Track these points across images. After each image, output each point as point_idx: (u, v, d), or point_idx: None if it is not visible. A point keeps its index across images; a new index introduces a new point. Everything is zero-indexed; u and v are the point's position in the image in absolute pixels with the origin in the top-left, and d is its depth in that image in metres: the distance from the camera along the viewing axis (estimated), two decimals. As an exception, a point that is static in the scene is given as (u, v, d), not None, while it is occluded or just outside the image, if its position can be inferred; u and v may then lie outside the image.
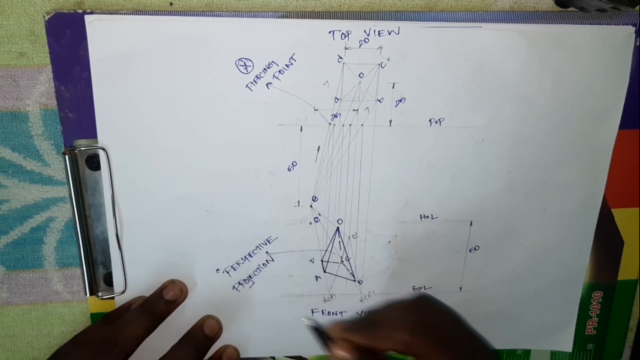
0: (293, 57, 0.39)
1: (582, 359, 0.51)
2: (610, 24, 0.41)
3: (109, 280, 0.44)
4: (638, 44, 0.41)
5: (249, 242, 0.43)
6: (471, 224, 0.45)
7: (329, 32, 0.39)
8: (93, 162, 0.41)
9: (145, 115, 0.40)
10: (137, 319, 0.41)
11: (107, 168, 0.40)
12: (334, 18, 0.39)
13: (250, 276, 0.45)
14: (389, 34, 0.39)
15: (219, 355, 0.45)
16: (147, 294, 0.44)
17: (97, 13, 0.37)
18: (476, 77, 0.41)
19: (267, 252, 0.44)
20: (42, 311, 0.45)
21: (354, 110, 0.41)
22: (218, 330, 0.45)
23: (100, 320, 0.44)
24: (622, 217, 0.47)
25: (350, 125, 0.41)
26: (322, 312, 0.46)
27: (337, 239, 0.44)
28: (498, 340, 0.49)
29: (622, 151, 0.44)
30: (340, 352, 0.37)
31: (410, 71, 0.40)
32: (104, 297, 0.44)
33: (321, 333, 0.38)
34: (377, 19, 0.39)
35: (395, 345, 0.36)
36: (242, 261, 0.44)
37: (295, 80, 0.40)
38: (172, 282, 0.44)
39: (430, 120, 0.41)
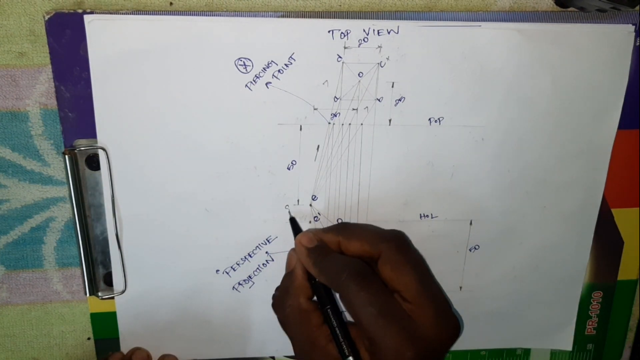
0: (292, 56, 0.39)
1: (582, 359, 0.51)
2: (610, 24, 0.41)
3: (108, 280, 0.44)
4: (638, 43, 0.41)
5: (249, 241, 0.43)
6: (471, 223, 0.45)
7: (328, 32, 0.39)
8: (93, 162, 0.41)
9: (144, 115, 0.40)
10: None
11: (107, 168, 0.40)
12: (334, 18, 0.39)
13: (250, 276, 0.45)
14: (389, 33, 0.39)
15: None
16: (147, 294, 0.44)
17: (97, 13, 0.37)
18: (476, 76, 0.41)
19: (267, 252, 0.44)
20: (42, 311, 0.45)
21: (354, 109, 0.41)
22: None
23: None
24: (622, 217, 0.47)
25: (349, 124, 0.41)
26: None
27: (337, 239, 0.44)
28: (498, 339, 0.49)
29: (621, 151, 0.44)
30: (302, 238, 0.39)
31: (410, 70, 0.40)
32: (104, 297, 0.44)
33: (296, 226, 0.42)
34: (377, 19, 0.39)
35: (362, 244, 0.38)
36: (242, 261, 0.44)
37: (294, 80, 0.40)
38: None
39: (429, 119, 0.42)
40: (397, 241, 0.38)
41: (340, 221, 0.43)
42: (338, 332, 0.37)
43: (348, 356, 0.37)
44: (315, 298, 0.40)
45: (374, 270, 0.38)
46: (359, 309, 0.35)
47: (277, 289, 0.41)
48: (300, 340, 0.39)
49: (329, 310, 0.38)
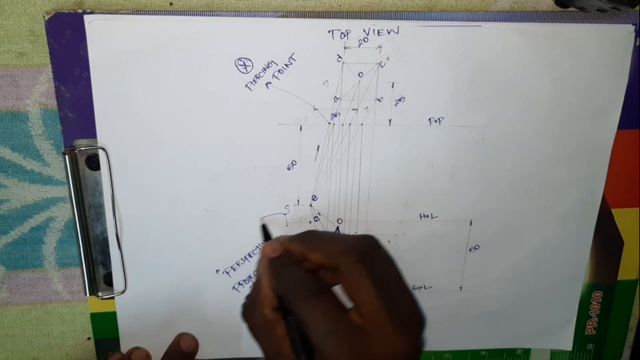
0: (292, 56, 0.39)
1: (582, 359, 0.51)
2: (610, 24, 0.41)
3: (108, 280, 0.44)
4: (638, 43, 0.41)
5: (249, 241, 0.43)
6: (471, 223, 0.45)
7: (328, 32, 0.39)
8: (93, 162, 0.41)
9: (144, 115, 0.40)
10: None
11: (107, 168, 0.40)
12: (334, 18, 0.39)
13: (250, 276, 0.45)
14: (389, 33, 0.39)
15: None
16: (147, 294, 0.44)
17: (97, 13, 0.37)
18: (476, 76, 0.41)
19: (267, 252, 0.44)
20: (42, 311, 0.45)
21: (354, 109, 0.41)
22: (195, 346, 0.45)
23: None
24: (622, 217, 0.47)
25: (349, 124, 0.41)
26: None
27: (337, 239, 0.44)
28: (498, 339, 0.49)
29: (621, 151, 0.44)
30: (266, 247, 0.38)
31: (410, 70, 0.40)
32: (104, 297, 0.44)
33: (267, 234, 0.41)
34: (377, 19, 0.39)
35: (322, 255, 0.36)
36: (242, 261, 0.44)
37: (294, 80, 0.40)
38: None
39: (429, 119, 0.42)
40: (357, 254, 0.36)
41: (340, 221, 0.43)
42: (296, 344, 0.36)
43: None
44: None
45: (326, 286, 0.37)
46: (309, 327, 0.34)
47: (246, 297, 0.40)
48: (267, 350, 0.38)
49: (290, 321, 0.38)
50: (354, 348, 0.34)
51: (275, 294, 0.38)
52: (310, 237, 0.38)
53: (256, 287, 0.39)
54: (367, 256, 0.37)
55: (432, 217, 0.44)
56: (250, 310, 0.39)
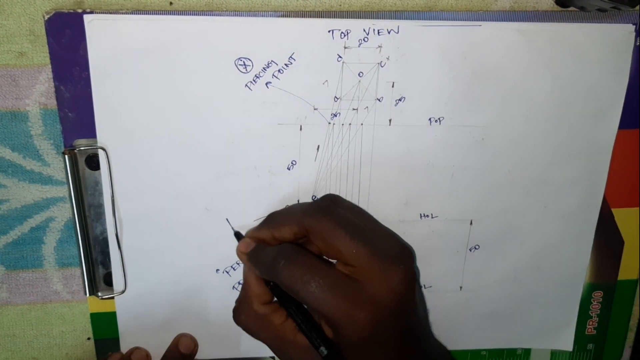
0: (292, 56, 0.39)
1: (582, 359, 0.51)
2: (610, 24, 0.41)
3: (108, 280, 0.44)
4: (638, 43, 0.41)
5: (249, 241, 0.43)
6: (471, 223, 0.45)
7: (328, 31, 0.39)
8: (93, 162, 0.41)
9: (144, 115, 0.40)
10: None
11: (106, 168, 0.40)
12: (334, 17, 0.39)
13: (250, 276, 0.45)
14: (389, 32, 0.39)
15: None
16: (147, 294, 0.44)
17: (97, 13, 0.37)
18: (476, 76, 0.41)
19: (267, 252, 0.44)
20: (41, 311, 0.45)
21: (354, 109, 0.41)
22: (193, 347, 0.45)
23: None
24: (622, 217, 0.47)
25: (349, 124, 0.41)
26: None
27: (337, 239, 0.44)
28: (498, 339, 0.49)
29: (622, 151, 0.44)
30: (240, 246, 0.39)
31: (410, 70, 0.40)
32: (104, 297, 0.44)
33: (239, 238, 0.41)
34: (377, 18, 0.39)
35: (290, 227, 0.37)
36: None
37: (294, 80, 0.40)
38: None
39: (430, 119, 0.41)
40: (320, 210, 0.37)
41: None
42: (303, 327, 0.37)
43: (319, 347, 0.36)
44: (275, 300, 0.40)
45: (304, 249, 0.37)
46: (299, 291, 0.35)
47: (235, 301, 0.41)
48: (271, 342, 0.39)
49: (292, 308, 0.38)
50: (347, 295, 0.34)
51: (266, 289, 0.39)
52: (273, 218, 0.40)
53: (242, 289, 0.40)
54: (330, 209, 0.37)
55: (432, 217, 0.44)
56: (239, 312, 0.40)
